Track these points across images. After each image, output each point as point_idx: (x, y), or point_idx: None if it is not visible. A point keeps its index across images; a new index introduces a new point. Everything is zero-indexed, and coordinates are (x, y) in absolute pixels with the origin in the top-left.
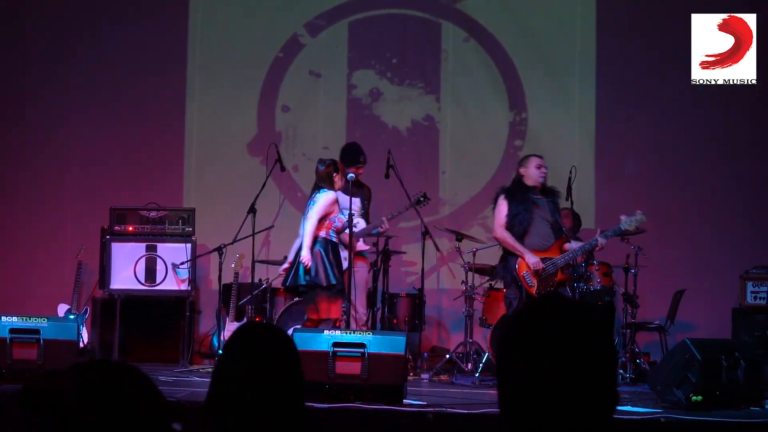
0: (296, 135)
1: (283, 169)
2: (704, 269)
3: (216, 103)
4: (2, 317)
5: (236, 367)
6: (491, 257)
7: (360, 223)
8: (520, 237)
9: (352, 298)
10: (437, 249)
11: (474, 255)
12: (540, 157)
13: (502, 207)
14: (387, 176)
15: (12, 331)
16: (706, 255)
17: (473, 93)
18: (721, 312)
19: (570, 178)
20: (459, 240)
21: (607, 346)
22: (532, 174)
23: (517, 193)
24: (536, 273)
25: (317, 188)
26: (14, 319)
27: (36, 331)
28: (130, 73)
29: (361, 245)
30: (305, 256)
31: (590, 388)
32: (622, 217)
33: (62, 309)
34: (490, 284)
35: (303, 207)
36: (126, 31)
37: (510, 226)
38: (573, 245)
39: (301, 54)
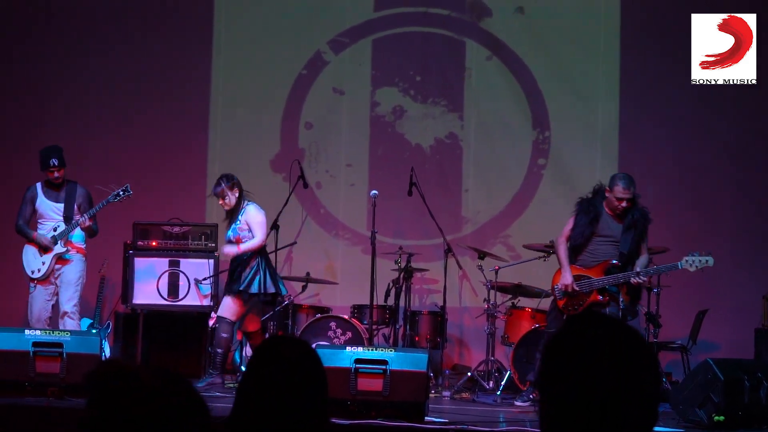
0: (319, 152)
1: (306, 185)
2: (727, 289)
3: (239, 120)
4: (26, 331)
5: (263, 379)
6: (514, 275)
7: (60, 227)
8: (573, 252)
9: (60, 295)
10: (459, 267)
11: (496, 273)
12: (628, 187)
13: (571, 219)
14: (410, 194)
15: (35, 344)
16: (729, 275)
17: (496, 111)
18: (744, 332)
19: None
20: (481, 258)
21: (651, 364)
22: (611, 201)
23: (587, 208)
24: (565, 292)
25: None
26: (37, 332)
27: (59, 345)
28: (154, 89)
29: (60, 247)
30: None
31: (632, 406)
32: (687, 257)
33: (85, 323)
34: (513, 303)
35: (325, 224)
36: (150, 46)
37: (569, 239)
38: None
39: (324, 71)
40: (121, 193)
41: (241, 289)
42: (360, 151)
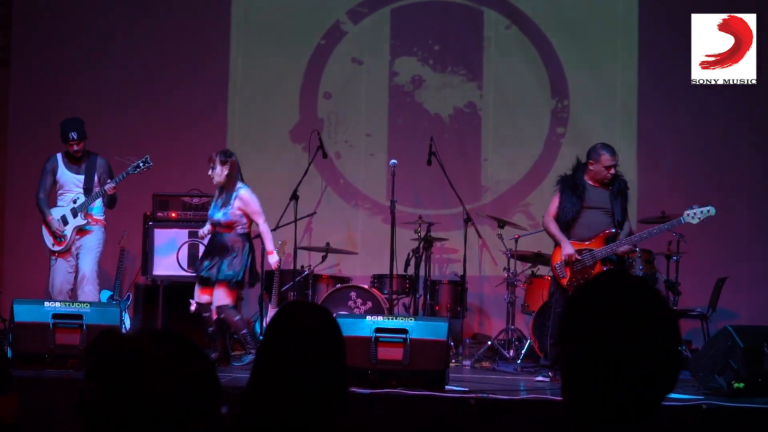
0: (338, 122)
1: (325, 155)
2: (746, 256)
3: (258, 90)
4: (45, 303)
5: (279, 348)
6: (533, 244)
7: (80, 198)
8: (566, 227)
9: (80, 260)
10: (479, 236)
11: (516, 242)
12: (613, 154)
13: (555, 198)
14: (429, 163)
15: (55, 316)
16: (748, 242)
17: (515, 80)
18: (764, 299)
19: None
20: (501, 227)
21: (670, 322)
22: (599, 172)
23: (571, 184)
24: (568, 264)
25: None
26: (57, 304)
27: (79, 317)
28: (173, 61)
29: (80, 220)
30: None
31: (651, 362)
32: (688, 210)
33: (105, 295)
34: (532, 271)
35: (345, 194)
36: (168, 18)
37: (557, 217)
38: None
39: (343, 41)
40: (141, 164)
41: (238, 279)
42: (379, 121)
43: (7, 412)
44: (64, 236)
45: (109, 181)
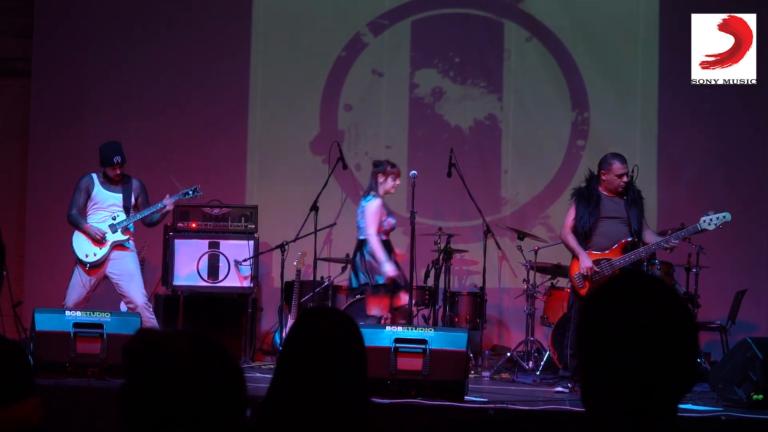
0: (359, 134)
1: (345, 167)
2: (766, 269)
3: (279, 102)
4: (66, 312)
5: (301, 350)
6: (553, 256)
7: (119, 216)
8: (584, 239)
9: (126, 288)
10: (499, 248)
11: (535, 253)
12: (624, 162)
13: (571, 210)
14: (449, 175)
15: (76, 325)
16: None
17: (535, 92)
18: None
19: (632, 177)
20: (521, 239)
21: (687, 320)
22: (611, 181)
23: (586, 195)
24: (586, 276)
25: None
26: (78, 313)
27: (99, 326)
28: (194, 72)
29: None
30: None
31: (669, 362)
32: (704, 217)
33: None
34: (552, 283)
35: None
36: (189, 29)
37: (574, 228)
38: (651, 238)
39: (363, 53)
40: (190, 192)
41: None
42: (399, 133)
43: (31, 414)
44: (105, 240)
45: (168, 196)
